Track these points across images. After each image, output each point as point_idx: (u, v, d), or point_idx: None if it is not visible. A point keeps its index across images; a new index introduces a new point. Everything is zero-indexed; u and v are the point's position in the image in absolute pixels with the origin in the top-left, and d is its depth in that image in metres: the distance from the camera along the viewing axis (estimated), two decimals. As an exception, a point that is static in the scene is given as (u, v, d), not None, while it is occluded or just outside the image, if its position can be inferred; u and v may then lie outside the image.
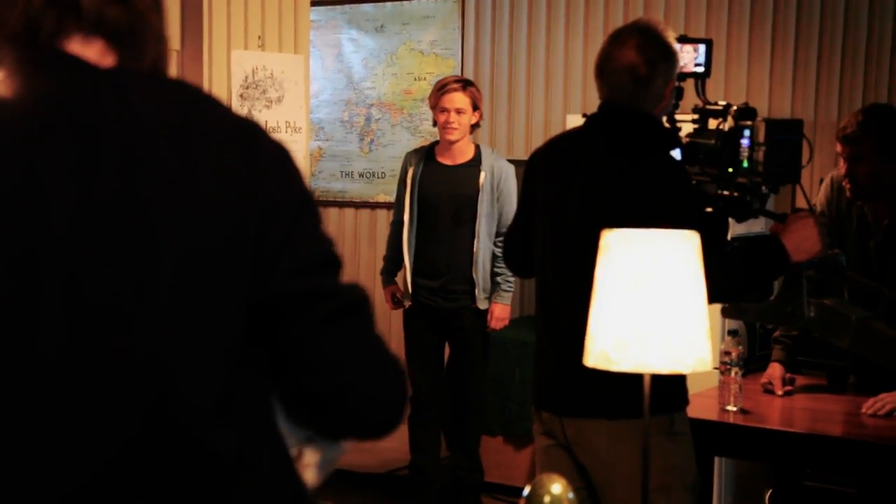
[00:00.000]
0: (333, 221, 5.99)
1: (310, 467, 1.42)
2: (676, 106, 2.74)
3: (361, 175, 6.01)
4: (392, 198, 5.06)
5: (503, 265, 4.43)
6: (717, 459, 3.75)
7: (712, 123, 2.74)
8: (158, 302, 1.20)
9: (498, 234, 4.53)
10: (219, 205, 1.24)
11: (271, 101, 4.64)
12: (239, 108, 4.47)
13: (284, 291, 1.28)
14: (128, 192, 1.20)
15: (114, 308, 1.19)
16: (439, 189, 4.61)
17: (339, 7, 5.98)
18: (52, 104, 1.21)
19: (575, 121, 4.04)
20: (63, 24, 1.25)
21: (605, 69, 2.65)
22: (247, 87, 4.52)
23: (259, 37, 4.58)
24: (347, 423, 1.38)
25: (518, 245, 2.88)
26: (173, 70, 4.25)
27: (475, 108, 4.58)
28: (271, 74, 4.62)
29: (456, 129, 4.54)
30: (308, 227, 1.31)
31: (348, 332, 1.32)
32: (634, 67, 2.59)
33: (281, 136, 4.68)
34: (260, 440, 1.32)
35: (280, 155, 1.31)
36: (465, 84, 4.60)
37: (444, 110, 4.55)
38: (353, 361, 1.34)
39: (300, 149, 4.81)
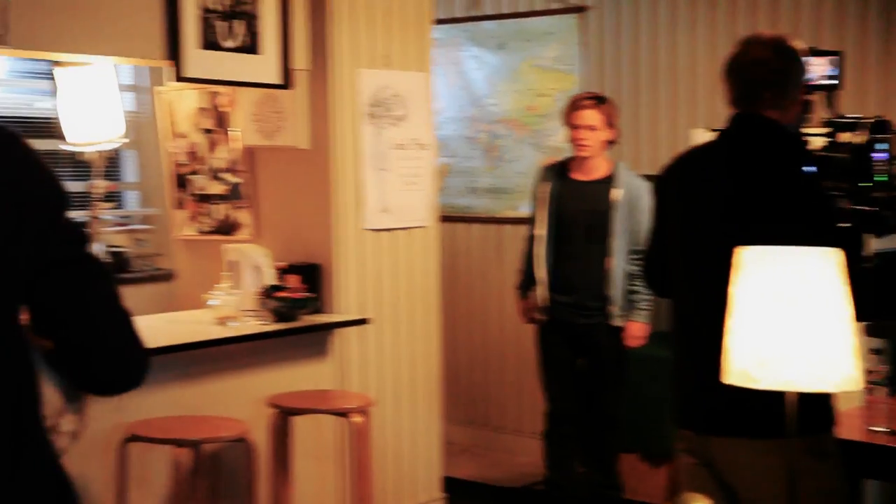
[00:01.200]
0: (460, 237, 6.01)
1: (64, 435, 1.77)
2: (806, 119, 2.69)
3: (487, 191, 6.03)
4: (518, 213, 5.12)
5: (639, 283, 4.40)
6: (866, 482, 3.64)
7: (844, 137, 2.68)
8: None
9: (633, 252, 4.49)
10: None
11: (397, 119, 4.68)
12: (366, 125, 4.52)
13: (47, 259, 1.64)
14: None
15: None
16: (572, 205, 4.61)
17: (460, 25, 6.02)
18: None
19: (700, 135, 4.01)
20: None
21: (737, 69, 2.60)
22: (374, 106, 4.58)
23: (384, 56, 4.63)
24: (100, 372, 1.71)
25: (657, 265, 2.84)
26: (304, 88, 4.35)
27: (610, 124, 4.55)
28: (396, 93, 4.67)
29: (587, 146, 4.54)
30: (61, 214, 1.68)
31: (96, 291, 1.70)
32: (767, 69, 2.56)
33: (407, 153, 4.71)
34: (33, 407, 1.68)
35: (38, 160, 1.69)
36: (599, 101, 4.59)
37: (576, 127, 4.55)
38: (101, 315, 1.70)
39: (426, 165, 4.84)
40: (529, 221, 4.78)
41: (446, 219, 5.29)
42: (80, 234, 1.73)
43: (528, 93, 5.86)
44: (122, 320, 1.73)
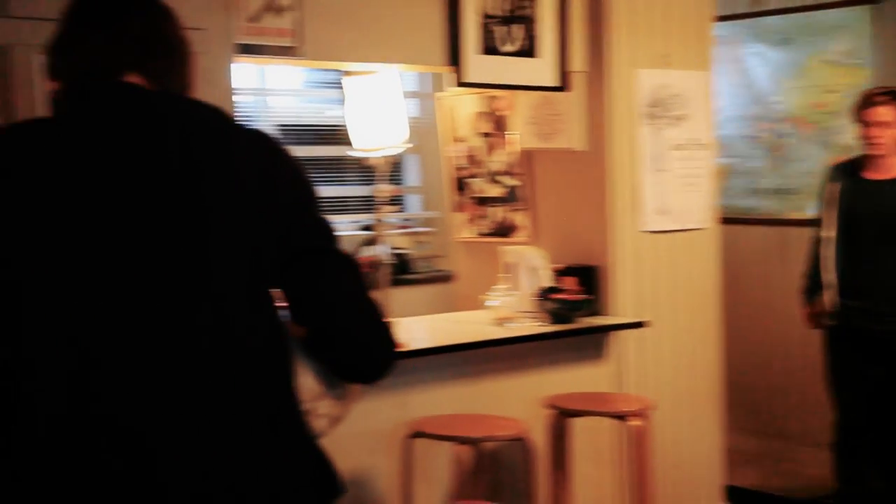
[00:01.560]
0: (741, 239, 5.85)
1: (322, 418, 1.85)
2: None
3: (771, 192, 5.86)
4: (804, 215, 4.94)
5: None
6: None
7: None
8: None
9: None
10: (252, 190, 1.71)
11: (676, 119, 4.62)
12: (644, 125, 4.47)
13: (296, 249, 1.74)
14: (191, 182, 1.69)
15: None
16: (864, 205, 4.41)
17: (742, 21, 5.87)
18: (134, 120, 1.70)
19: None
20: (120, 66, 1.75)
21: None
22: (652, 106, 4.53)
23: (664, 55, 4.58)
24: (344, 360, 1.81)
25: None
26: (582, 90, 4.36)
27: None
28: (675, 93, 4.61)
29: (881, 143, 4.33)
30: (313, 209, 1.79)
31: (343, 282, 1.78)
32: None
33: (686, 153, 4.63)
34: (286, 389, 1.78)
35: (288, 158, 1.79)
36: (894, 96, 4.35)
37: (868, 124, 4.34)
38: (345, 305, 1.78)
39: (706, 166, 4.75)
40: (816, 223, 4.61)
41: (726, 220, 5.15)
42: (328, 228, 1.80)
43: (814, 89, 5.66)
44: (368, 312, 1.80)
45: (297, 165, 1.80)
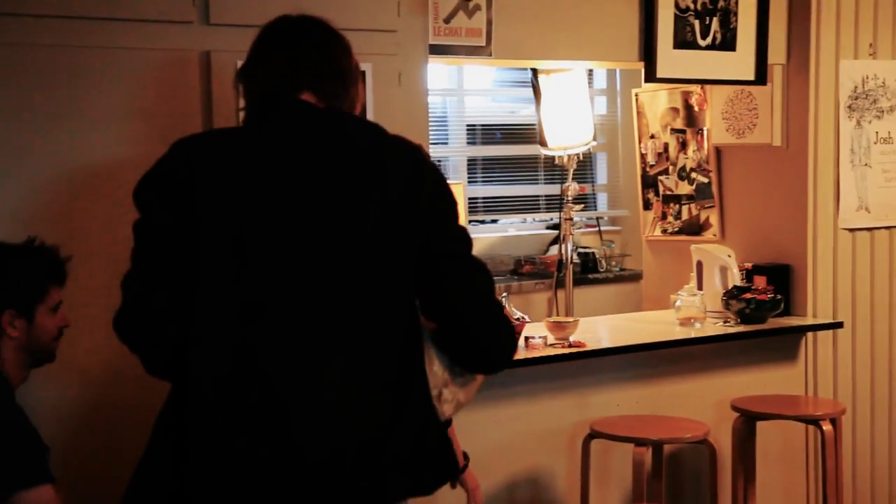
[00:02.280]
0: None
1: (447, 403, 2.13)
2: None
3: None
4: None
5: None
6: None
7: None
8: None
9: None
10: (398, 197, 2.00)
11: (882, 111, 4.50)
12: (847, 119, 4.37)
13: (436, 252, 2.02)
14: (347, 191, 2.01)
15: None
16: None
17: (962, 4, 5.54)
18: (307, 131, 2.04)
19: None
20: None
21: None
22: (855, 98, 4.42)
23: (870, 44, 4.44)
24: (470, 352, 2.09)
25: None
26: (780, 84, 4.28)
27: None
28: (883, 83, 4.48)
29: None
30: (451, 216, 2.06)
31: (478, 284, 2.06)
32: None
33: (892, 147, 4.49)
34: (417, 371, 2.05)
35: (436, 171, 2.09)
36: None
37: None
38: (472, 303, 2.05)
39: (910, 160, 4.60)
40: None
41: None
42: (465, 235, 2.09)
43: None
44: (489, 312, 2.09)
45: (439, 176, 2.10)
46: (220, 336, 1.93)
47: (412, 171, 2.03)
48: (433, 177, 2.07)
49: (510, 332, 2.14)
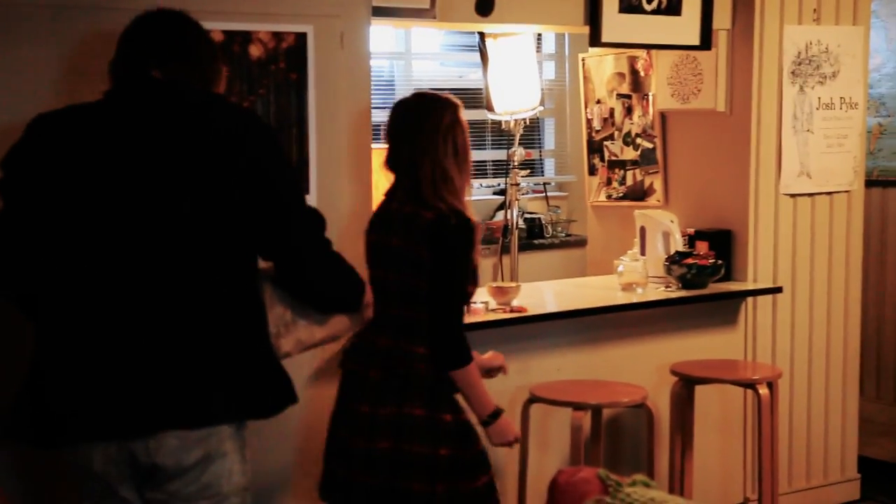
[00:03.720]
0: (891, 203, 5.57)
1: (283, 339, 2.44)
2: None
3: None
4: None
5: None
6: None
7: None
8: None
9: None
10: (218, 159, 2.27)
11: (825, 77, 4.52)
12: (790, 84, 4.39)
13: (266, 207, 2.31)
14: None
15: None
16: None
17: (906, -30, 5.62)
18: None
19: None
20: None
21: None
22: (799, 64, 4.44)
23: (814, 10, 4.47)
24: (310, 296, 2.46)
25: None
26: (724, 49, 4.26)
27: None
28: (826, 49, 4.50)
29: None
30: (279, 174, 2.35)
31: (306, 234, 2.38)
32: None
33: (834, 113, 4.52)
34: (250, 314, 2.37)
35: (263, 132, 2.35)
36: None
37: None
38: (309, 251, 2.39)
39: (855, 126, 4.62)
40: None
41: (876, 183, 5.04)
42: (293, 190, 2.40)
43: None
44: (322, 257, 2.41)
45: (266, 137, 2.36)
46: (64, 289, 2.29)
47: (236, 133, 2.31)
48: (257, 137, 2.33)
49: (345, 273, 2.48)
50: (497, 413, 2.92)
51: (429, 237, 2.81)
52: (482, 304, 3.68)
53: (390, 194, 2.96)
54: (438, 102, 2.90)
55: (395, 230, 2.87)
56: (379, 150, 3.19)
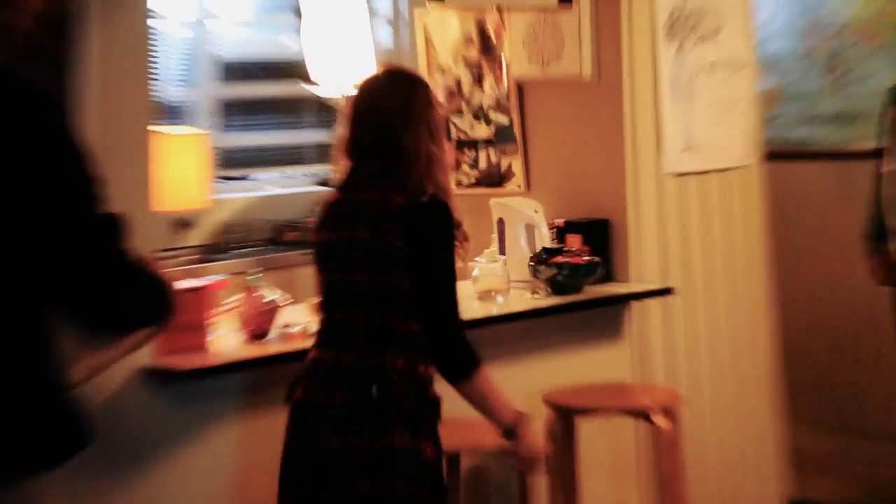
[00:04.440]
0: (795, 178, 5.58)
1: (79, 367, 2.31)
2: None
3: (830, 119, 5.65)
4: (870, 145, 4.72)
5: None
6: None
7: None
8: None
9: None
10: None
11: (706, 35, 4.40)
12: (666, 45, 4.24)
13: (50, 208, 2.06)
14: None
15: None
16: None
17: None
18: None
19: None
20: None
21: None
22: (675, 21, 4.30)
23: (689, -43, 4.51)
24: (103, 313, 2.17)
25: None
26: (586, 6, 4.18)
27: None
28: (704, 3, 4.39)
29: None
30: (61, 162, 2.10)
31: (97, 241, 2.12)
32: None
33: (720, 77, 4.40)
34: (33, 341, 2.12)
35: (51, 112, 2.12)
36: None
37: None
38: (97, 262, 2.12)
39: (746, 90, 4.51)
40: (877, 155, 4.46)
41: (775, 156, 4.90)
42: (83, 184, 2.10)
43: (881, -5, 5.62)
44: (114, 266, 2.13)
45: (59, 121, 2.10)
46: None
47: (18, 116, 2.06)
48: (52, 124, 2.08)
49: (147, 283, 2.21)
50: (523, 418, 2.85)
51: (405, 224, 2.76)
52: (300, 327, 3.36)
53: (347, 183, 2.89)
54: (412, 80, 2.95)
55: (360, 221, 2.80)
56: (168, 133, 3.06)
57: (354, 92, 2.95)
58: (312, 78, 4.68)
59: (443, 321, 2.79)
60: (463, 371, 2.78)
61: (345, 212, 2.87)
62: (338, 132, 2.98)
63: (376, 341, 2.77)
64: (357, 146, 2.89)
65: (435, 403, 2.79)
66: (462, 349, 2.80)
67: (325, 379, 2.79)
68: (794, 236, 5.49)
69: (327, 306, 2.81)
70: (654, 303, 4.16)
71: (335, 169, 2.98)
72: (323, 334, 2.83)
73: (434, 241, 2.80)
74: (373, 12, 5.27)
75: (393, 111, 2.86)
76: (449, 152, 2.98)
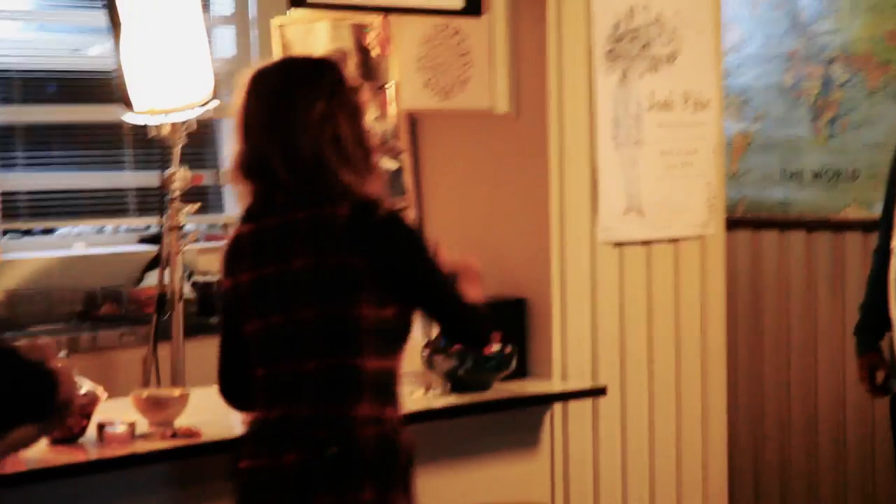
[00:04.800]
0: (768, 252, 5.85)
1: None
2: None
3: (817, 175, 5.87)
4: (871, 212, 5.04)
5: None
6: None
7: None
8: None
9: None
10: None
11: (658, 61, 4.68)
12: (606, 72, 4.49)
13: None
14: None
15: None
16: None
17: None
18: None
19: None
20: None
21: None
22: (618, 41, 4.58)
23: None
24: None
25: None
26: (499, 17, 4.38)
27: None
28: (656, 19, 4.68)
29: None
30: None
31: None
32: None
33: (676, 115, 4.68)
34: None
35: None
36: None
37: None
38: None
39: (710, 134, 4.79)
40: (881, 226, 4.69)
41: (743, 223, 5.29)
42: None
43: (891, 12, 5.72)
44: None
45: None
46: None
47: None
48: None
49: (24, 376, 2.52)
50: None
51: (360, 238, 3.10)
52: (126, 426, 3.64)
53: (260, 209, 3.19)
54: (311, 63, 3.26)
55: (294, 248, 3.11)
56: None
57: (240, 96, 3.16)
58: (130, 100, 4.77)
59: (460, 317, 3.35)
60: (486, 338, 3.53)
61: (268, 243, 3.15)
62: (231, 150, 3.20)
63: (332, 389, 3.08)
64: (260, 162, 3.14)
65: (408, 451, 3.17)
66: (487, 323, 3.45)
67: (271, 440, 3.10)
68: (766, 324, 5.74)
69: (264, 359, 3.11)
70: (581, 405, 4.40)
71: (237, 196, 3.23)
72: (265, 393, 3.12)
73: (412, 250, 3.23)
74: (209, 12, 5.42)
75: (297, 108, 3.09)
76: (372, 133, 3.25)
